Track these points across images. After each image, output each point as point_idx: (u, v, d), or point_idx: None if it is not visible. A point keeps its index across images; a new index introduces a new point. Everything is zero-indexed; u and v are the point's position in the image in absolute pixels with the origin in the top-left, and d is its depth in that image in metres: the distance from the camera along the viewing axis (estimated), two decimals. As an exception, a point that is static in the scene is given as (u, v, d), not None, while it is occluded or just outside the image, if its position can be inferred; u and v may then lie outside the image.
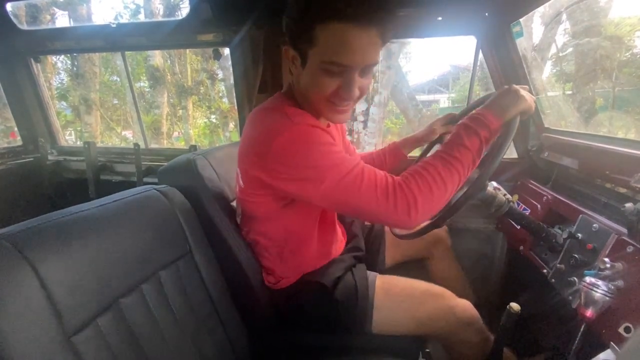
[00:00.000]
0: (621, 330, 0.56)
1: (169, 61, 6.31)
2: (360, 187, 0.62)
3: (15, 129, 1.67)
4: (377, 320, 0.83)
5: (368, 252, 1.10)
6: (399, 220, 0.63)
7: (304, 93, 0.72)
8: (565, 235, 0.79)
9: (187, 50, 6.18)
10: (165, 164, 0.88)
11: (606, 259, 0.64)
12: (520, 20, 1.04)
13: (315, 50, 0.63)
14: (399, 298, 0.84)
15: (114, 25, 1.33)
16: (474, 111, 0.71)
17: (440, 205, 0.66)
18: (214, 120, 6.92)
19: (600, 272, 0.63)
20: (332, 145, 0.67)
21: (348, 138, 1.09)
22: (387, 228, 1.17)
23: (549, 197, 0.96)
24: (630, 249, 0.63)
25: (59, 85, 6.82)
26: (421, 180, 0.63)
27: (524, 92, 0.71)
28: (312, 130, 0.66)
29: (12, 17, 1.41)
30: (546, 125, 1.13)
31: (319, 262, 0.90)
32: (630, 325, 0.56)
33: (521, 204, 1.06)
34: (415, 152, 1.13)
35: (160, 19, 4.40)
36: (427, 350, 0.86)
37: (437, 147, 1.04)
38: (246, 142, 0.72)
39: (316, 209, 0.82)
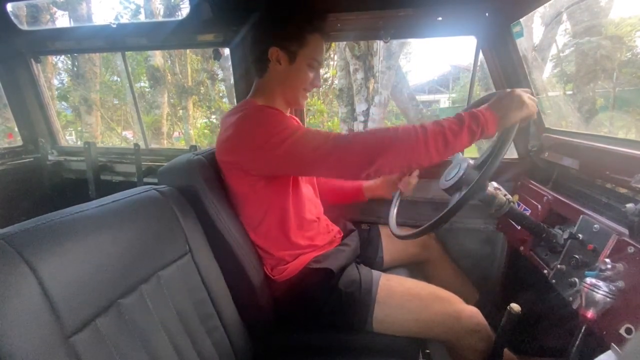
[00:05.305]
0: (622, 331, 0.56)
1: (169, 61, 6.32)
2: (307, 141, 0.73)
3: (14, 129, 1.67)
4: (379, 317, 0.83)
5: (365, 253, 1.10)
6: (338, 158, 0.71)
7: (284, 85, 0.88)
8: (565, 236, 0.78)
9: (188, 51, 6.19)
10: (166, 164, 0.88)
11: (607, 260, 0.63)
12: (521, 20, 1.04)
13: (305, 51, 0.85)
14: (403, 298, 0.84)
15: (114, 26, 1.33)
16: (475, 109, 0.70)
17: (380, 149, 0.69)
18: (214, 121, 6.92)
19: (601, 273, 0.63)
20: (286, 118, 0.81)
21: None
22: (383, 230, 1.17)
23: (550, 197, 0.96)
24: (631, 249, 0.62)
25: (60, 85, 6.84)
26: (370, 131, 0.73)
27: (527, 98, 0.71)
28: (268, 110, 0.81)
29: (12, 17, 1.41)
30: (547, 126, 1.13)
31: (311, 244, 0.91)
32: (631, 326, 0.55)
33: (521, 204, 1.06)
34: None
35: (160, 19, 4.40)
36: (427, 351, 0.86)
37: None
38: (218, 138, 0.85)
39: (286, 183, 0.86)
